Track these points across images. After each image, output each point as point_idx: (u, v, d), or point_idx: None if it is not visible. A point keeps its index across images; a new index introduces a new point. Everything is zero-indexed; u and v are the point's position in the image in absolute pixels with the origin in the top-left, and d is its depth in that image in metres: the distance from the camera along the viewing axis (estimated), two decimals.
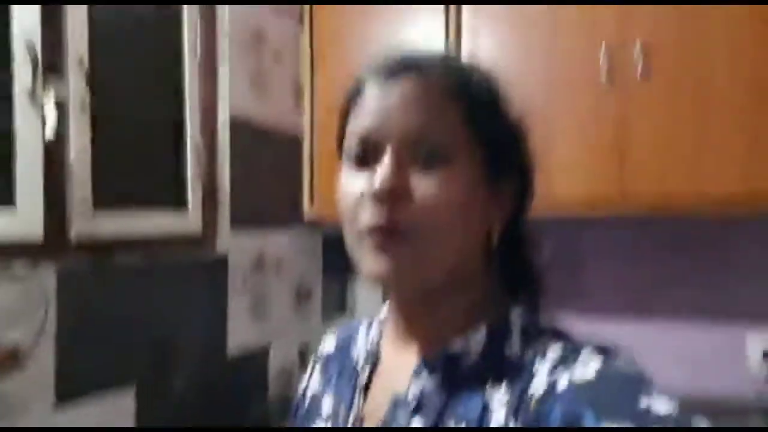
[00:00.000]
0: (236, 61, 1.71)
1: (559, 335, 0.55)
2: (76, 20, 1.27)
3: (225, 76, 1.68)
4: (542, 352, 0.53)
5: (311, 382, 0.73)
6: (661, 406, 0.44)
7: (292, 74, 1.95)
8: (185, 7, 1.60)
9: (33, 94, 1.18)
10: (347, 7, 1.88)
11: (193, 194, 1.62)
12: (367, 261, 0.55)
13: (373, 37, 1.82)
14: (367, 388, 0.63)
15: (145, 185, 1.52)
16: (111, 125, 1.36)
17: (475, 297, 0.59)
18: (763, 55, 1.41)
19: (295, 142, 1.96)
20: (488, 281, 0.60)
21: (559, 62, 1.60)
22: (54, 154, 1.23)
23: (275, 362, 1.87)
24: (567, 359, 0.50)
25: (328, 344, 0.75)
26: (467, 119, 0.55)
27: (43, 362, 1.17)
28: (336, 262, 2.09)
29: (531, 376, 0.51)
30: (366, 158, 0.56)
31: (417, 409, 0.56)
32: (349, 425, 0.62)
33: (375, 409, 0.60)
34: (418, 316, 0.60)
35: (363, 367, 0.65)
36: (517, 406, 0.51)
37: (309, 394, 0.72)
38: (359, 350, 0.68)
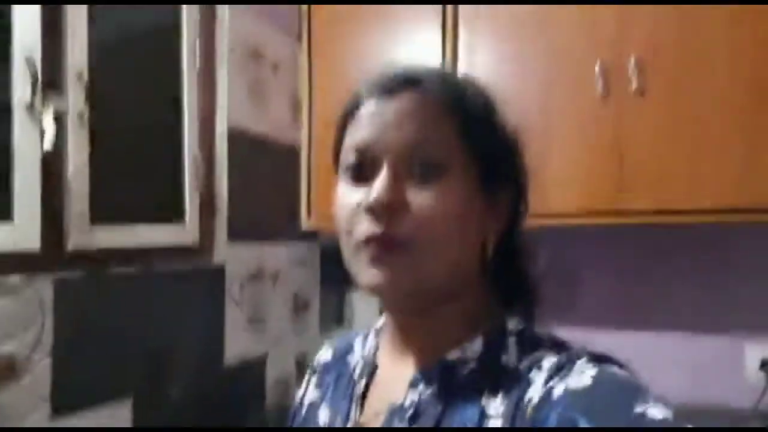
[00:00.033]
0: (234, 74, 1.72)
1: (555, 344, 0.56)
2: (77, 35, 1.28)
3: (223, 88, 1.69)
4: (538, 361, 0.53)
5: (308, 391, 0.74)
6: (656, 412, 0.44)
7: (289, 88, 1.96)
8: (184, 20, 1.62)
9: (32, 108, 1.18)
10: (345, 23, 1.90)
11: (191, 205, 1.62)
12: (364, 272, 0.55)
13: (370, 53, 1.83)
14: (363, 398, 0.64)
15: (143, 196, 1.52)
16: (109, 137, 1.37)
17: (471, 307, 0.60)
18: (762, 57, 1.41)
19: (292, 154, 1.97)
20: (484, 292, 0.61)
21: (555, 76, 1.61)
22: (52, 167, 1.23)
23: (272, 372, 1.87)
24: (563, 368, 0.51)
25: (325, 354, 0.76)
26: (463, 133, 0.56)
27: (40, 373, 1.17)
28: (333, 274, 2.09)
29: (527, 384, 0.52)
30: (363, 171, 0.57)
31: (414, 419, 0.56)
32: None
33: (371, 419, 0.60)
34: (414, 326, 0.61)
35: (360, 377, 0.65)
36: (513, 415, 0.51)
37: (306, 403, 0.72)
38: (356, 360, 0.69)
